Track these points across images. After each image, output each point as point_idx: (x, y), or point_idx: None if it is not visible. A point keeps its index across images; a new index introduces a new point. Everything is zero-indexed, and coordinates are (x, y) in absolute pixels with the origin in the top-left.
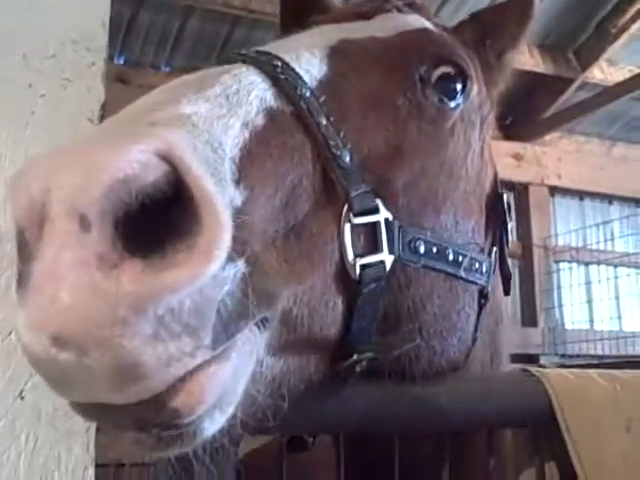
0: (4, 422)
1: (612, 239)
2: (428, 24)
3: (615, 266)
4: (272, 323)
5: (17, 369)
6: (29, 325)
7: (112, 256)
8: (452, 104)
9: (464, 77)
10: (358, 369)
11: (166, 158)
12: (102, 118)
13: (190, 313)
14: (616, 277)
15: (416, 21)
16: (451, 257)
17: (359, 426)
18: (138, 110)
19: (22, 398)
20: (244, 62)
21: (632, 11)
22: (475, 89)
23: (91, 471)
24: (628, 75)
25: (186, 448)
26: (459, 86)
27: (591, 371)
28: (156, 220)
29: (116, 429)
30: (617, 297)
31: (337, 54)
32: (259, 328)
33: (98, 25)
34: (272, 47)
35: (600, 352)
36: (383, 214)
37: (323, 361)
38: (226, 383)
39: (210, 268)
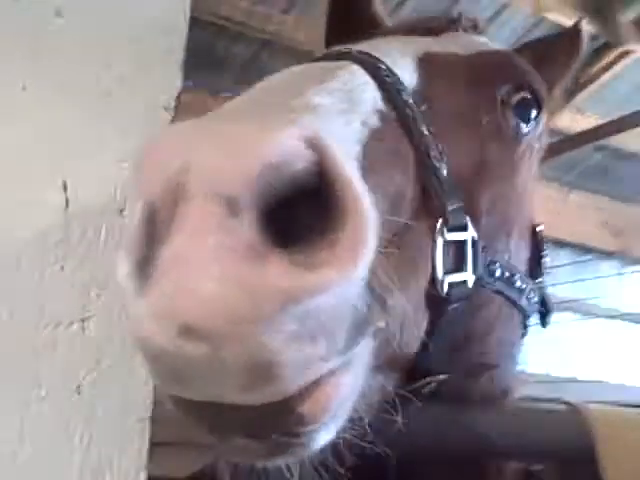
0: (59, 417)
1: (559, 284)
2: (502, 47)
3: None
4: (379, 334)
5: (76, 362)
6: (154, 313)
7: (260, 247)
8: (526, 129)
9: (539, 104)
10: (427, 390)
11: (313, 146)
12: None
13: (329, 315)
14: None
15: (489, 43)
16: (517, 284)
17: (408, 448)
18: (268, 95)
19: (79, 393)
20: (352, 60)
21: (602, 62)
22: (545, 118)
23: (143, 476)
24: (593, 124)
25: (294, 458)
26: (534, 112)
27: (621, 408)
28: (297, 212)
29: (225, 433)
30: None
31: (426, 66)
32: (372, 338)
33: (179, 11)
34: (365, 48)
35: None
36: (470, 232)
37: (399, 380)
38: (347, 392)
39: (358, 269)
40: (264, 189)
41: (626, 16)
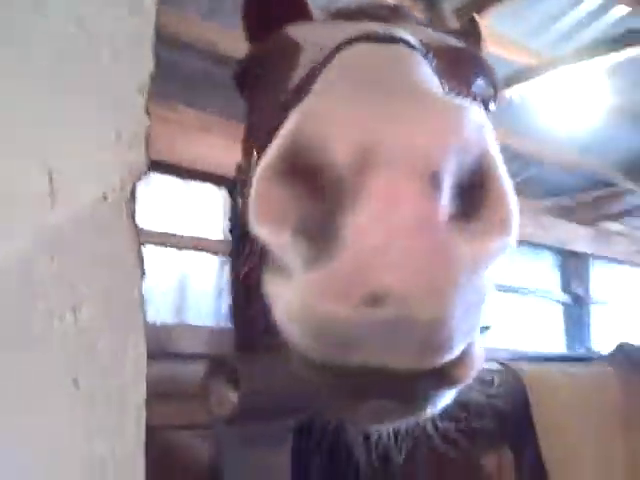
0: (59, 411)
1: None
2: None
3: None
4: None
5: (71, 353)
6: (346, 277)
7: (453, 220)
8: None
9: (495, 101)
10: None
11: (480, 134)
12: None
13: (485, 284)
14: None
15: (452, 39)
16: None
17: None
18: (388, 79)
19: (77, 387)
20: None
21: None
22: None
23: (141, 462)
24: None
25: (420, 419)
26: (492, 107)
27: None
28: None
29: (372, 397)
30: None
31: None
32: None
33: None
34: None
35: None
36: None
37: None
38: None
39: (512, 239)
40: (459, 166)
41: (448, 4)
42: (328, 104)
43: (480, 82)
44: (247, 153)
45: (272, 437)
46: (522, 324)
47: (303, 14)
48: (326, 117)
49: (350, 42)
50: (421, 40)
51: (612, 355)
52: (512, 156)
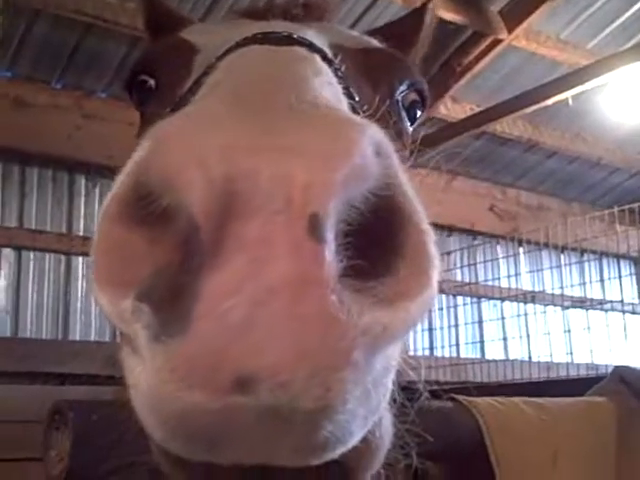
0: None
1: (451, 269)
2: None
3: (454, 295)
4: None
5: None
6: (203, 358)
7: (343, 280)
8: (410, 129)
9: (424, 105)
10: None
11: (381, 156)
12: None
13: (393, 356)
14: (455, 306)
15: (365, 38)
16: None
17: None
18: (264, 89)
19: None
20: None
21: (476, 51)
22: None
23: None
24: (469, 112)
25: None
26: (419, 113)
27: (516, 399)
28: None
29: None
30: (456, 325)
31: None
32: None
33: None
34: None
35: (441, 378)
36: None
37: None
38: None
39: (433, 299)
40: (346, 208)
41: (495, 5)
42: (188, 126)
43: (403, 88)
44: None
45: None
46: (602, 338)
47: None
48: (179, 145)
49: (241, 44)
50: (332, 42)
51: (609, 381)
52: (572, 161)
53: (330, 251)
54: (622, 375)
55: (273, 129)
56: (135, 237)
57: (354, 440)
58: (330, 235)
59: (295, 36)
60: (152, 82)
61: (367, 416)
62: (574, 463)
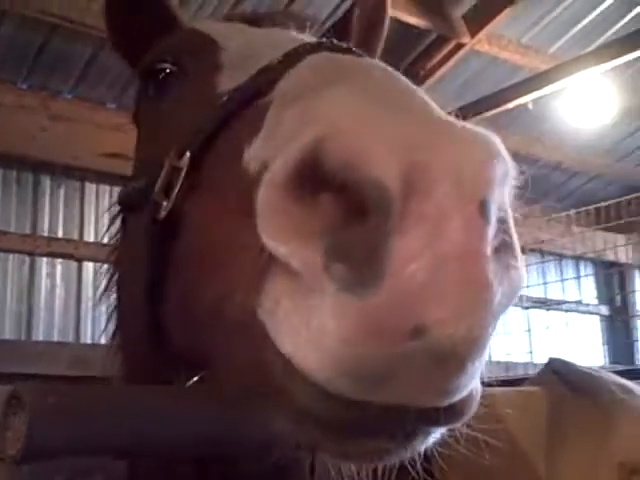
0: None
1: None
2: None
3: None
4: None
5: None
6: (391, 309)
7: (494, 250)
8: None
9: None
10: None
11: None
12: None
13: None
14: None
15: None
16: None
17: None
18: (383, 95)
19: None
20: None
21: (439, 55)
22: None
23: None
24: None
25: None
26: None
27: None
28: None
29: (373, 435)
30: None
31: None
32: None
33: None
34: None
35: None
36: None
37: None
38: None
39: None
40: (499, 197)
41: (458, 10)
42: (353, 116)
43: None
44: (157, 150)
45: None
46: (561, 338)
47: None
48: (362, 131)
49: (309, 50)
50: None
51: (543, 372)
52: (532, 164)
53: (491, 230)
54: (554, 366)
55: (434, 128)
56: (310, 202)
57: (470, 387)
58: (493, 217)
59: (354, 49)
60: (174, 69)
61: (479, 368)
62: (508, 443)
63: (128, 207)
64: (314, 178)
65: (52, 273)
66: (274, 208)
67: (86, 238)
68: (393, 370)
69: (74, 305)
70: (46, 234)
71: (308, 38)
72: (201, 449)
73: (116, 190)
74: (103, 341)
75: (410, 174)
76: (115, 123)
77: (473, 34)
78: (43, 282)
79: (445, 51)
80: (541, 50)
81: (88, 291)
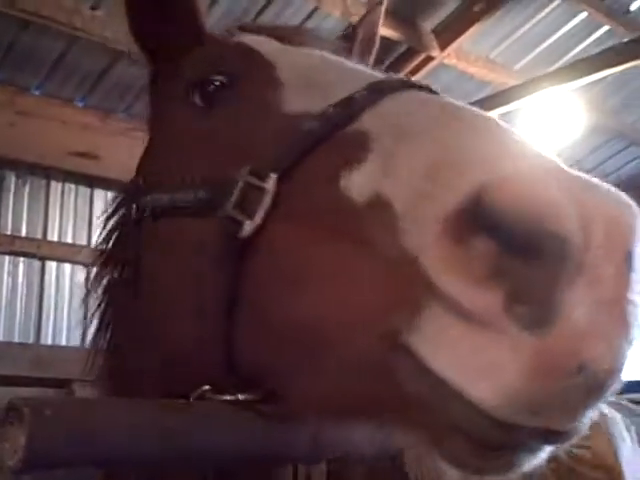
0: None
1: None
2: None
3: None
4: None
5: None
6: (563, 349)
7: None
8: None
9: None
10: None
11: None
12: None
13: None
14: None
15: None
16: None
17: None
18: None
19: None
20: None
21: (409, 68)
22: None
23: None
24: None
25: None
26: None
27: None
28: None
29: (515, 450)
30: None
31: None
32: None
33: None
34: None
35: None
36: None
37: None
38: None
39: None
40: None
41: (428, 23)
42: (508, 162)
43: None
44: (216, 162)
45: None
46: None
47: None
48: (528, 180)
49: (395, 88)
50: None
51: None
52: None
53: (635, 276)
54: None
55: (586, 182)
56: (487, 244)
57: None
58: (637, 266)
59: (432, 88)
60: (226, 82)
61: None
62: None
63: (161, 214)
64: (481, 222)
65: (14, 272)
66: (445, 249)
67: (50, 237)
68: (553, 400)
69: (36, 305)
70: (9, 232)
71: (356, 64)
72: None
73: (83, 189)
74: (64, 342)
75: (583, 227)
76: (83, 122)
77: (442, 48)
78: (5, 281)
79: (414, 63)
80: (507, 66)
81: (51, 291)
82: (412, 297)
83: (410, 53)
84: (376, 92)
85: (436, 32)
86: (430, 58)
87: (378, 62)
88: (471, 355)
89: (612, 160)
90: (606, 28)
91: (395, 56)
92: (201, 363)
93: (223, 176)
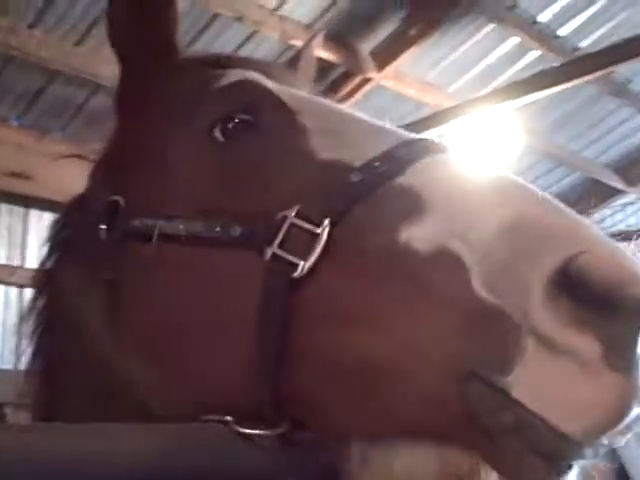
0: None
1: None
2: None
3: None
4: None
5: None
6: (634, 385)
7: None
8: None
9: None
10: None
11: None
12: None
13: None
14: None
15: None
16: None
17: None
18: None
19: None
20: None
21: (346, 89)
22: None
23: None
24: None
25: None
26: None
27: None
28: None
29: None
30: None
31: None
32: None
33: None
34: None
35: None
36: None
37: None
38: None
39: None
40: None
41: (365, 46)
42: (589, 234)
43: None
44: (248, 199)
45: None
46: None
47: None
48: (609, 252)
49: (422, 152)
50: None
51: None
52: None
53: None
54: None
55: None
56: (573, 299)
57: None
58: None
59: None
60: (249, 120)
61: None
62: None
63: (168, 240)
64: (574, 282)
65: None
66: (549, 300)
67: None
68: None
69: None
70: None
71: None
72: None
73: (17, 209)
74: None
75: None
76: (18, 142)
77: (379, 70)
78: None
79: (352, 85)
80: (443, 88)
81: None
82: (505, 342)
83: (348, 75)
84: (413, 150)
85: (373, 54)
86: (367, 80)
87: (316, 84)
88: (565, 393)
89: (542, 180)
90: (537, 53)
91: (333, 78)
92: (236, 397)
93: (264, 214)
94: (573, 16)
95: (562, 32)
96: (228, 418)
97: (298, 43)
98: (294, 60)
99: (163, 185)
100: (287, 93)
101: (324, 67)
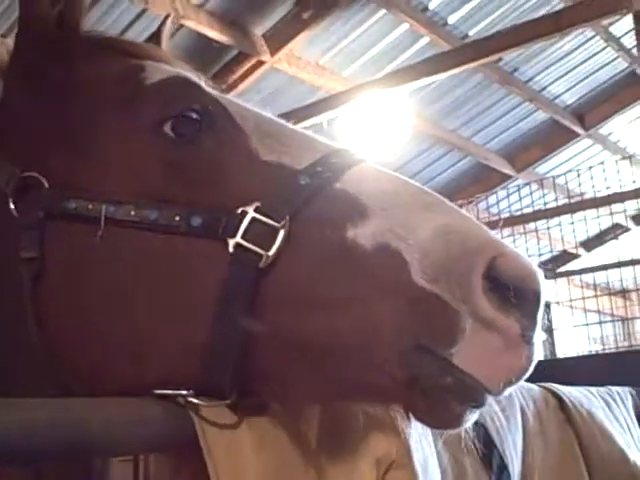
0: None
1: None
2: None
3: None
4: None
5: None
6: (530, 353)
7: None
8: None
9: None
10: None
11: None
12: None
13: None
14: None
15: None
16: None
17: None
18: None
19: None
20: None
21: (240, 71)
22: None
23: None
24: None
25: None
26: None
27: None
28: None
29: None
30: None
31: None
32: None
33: None
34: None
35: None
36: None
37: None
38: None
39: None
40: None
41: (259, 28)
42: (496, 238)
43: None
44: (209, 194)
45: None
46: None
47: None
48: (514, 253)
49: (352, 163)
50: None
51: None
52: None
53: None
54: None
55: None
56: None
57: None
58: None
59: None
60: (198, 120)
61: None
62: None
63: (113, 224)
64: (494, 278)
65: None
66: (485, 292)
67: None
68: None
69: None
70: None
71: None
72: None
73: None
74: None
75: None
76: None
77: (273, 53)
78: None
79: (246, 67)
80: (336, 72)
81: None
82: (447, 322)
83: (241, 57)
84: (345, 159)
85: (266, 37)
86: (261, 62)
87: (209, 65)
88: (492, 358)
89: (435, 165)
90: (427, 40)
91: (227, 60)
92: (193, 376)
93: (223, 208)
94: (462, 4)
95: (451, 19)
96: (183, 392)
97: (189, 23)
98: (157, 37)
99: (104, 172)
100: (221, 95)
101: (218, 49)
